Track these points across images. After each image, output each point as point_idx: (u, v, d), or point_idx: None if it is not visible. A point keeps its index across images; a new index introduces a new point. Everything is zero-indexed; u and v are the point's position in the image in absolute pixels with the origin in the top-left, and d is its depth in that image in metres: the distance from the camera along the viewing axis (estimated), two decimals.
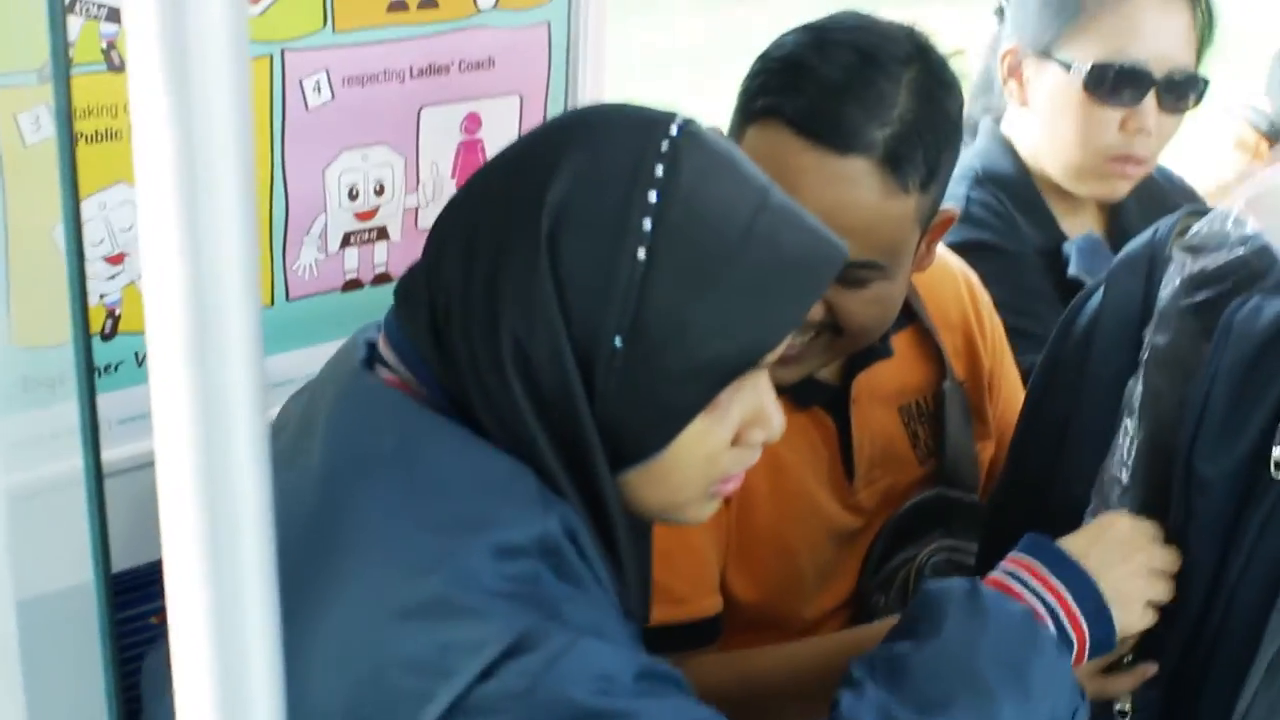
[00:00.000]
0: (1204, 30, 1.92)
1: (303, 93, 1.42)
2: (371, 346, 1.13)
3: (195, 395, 0.73)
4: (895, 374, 1.60)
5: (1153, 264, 1.30)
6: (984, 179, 1.96)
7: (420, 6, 1.46)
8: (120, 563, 1.31)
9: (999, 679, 1.10)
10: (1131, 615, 1.22)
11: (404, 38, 1.46)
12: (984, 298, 1.71)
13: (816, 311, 1.39)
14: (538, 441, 1.04)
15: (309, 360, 1.49)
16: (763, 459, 1.46)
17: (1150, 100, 1.88)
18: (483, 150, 1.55)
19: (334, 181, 1.46)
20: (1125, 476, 1.28)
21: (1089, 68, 1.87)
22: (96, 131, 1.30)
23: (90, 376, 0.89)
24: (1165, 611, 1.25)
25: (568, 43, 1.57)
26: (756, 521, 1.50)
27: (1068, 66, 1.90)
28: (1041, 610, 1.18)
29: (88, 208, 1.31)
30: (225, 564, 0.75)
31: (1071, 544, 1.22)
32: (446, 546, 1.01)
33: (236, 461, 0.74)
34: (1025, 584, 1.19)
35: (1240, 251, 1.25)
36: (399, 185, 1.51)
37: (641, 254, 1.01)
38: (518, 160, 1.09)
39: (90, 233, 1.32)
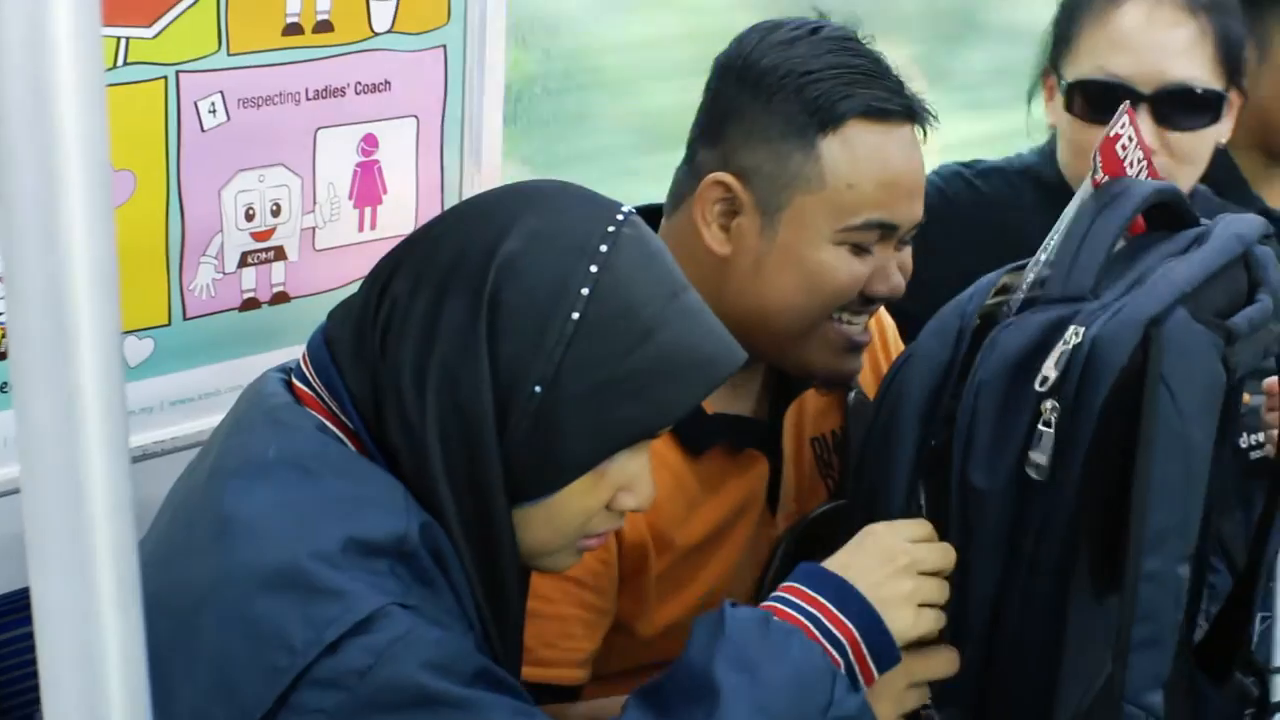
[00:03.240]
0: (1223, 41, 1.85)
1: (198, 114, 1.43)
2: (285, 376, 1.22)
3: (54, 417, 0.74)
4: (814, 403, 1.63)
5: (961, 331, 1.31)
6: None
7: (315, 30, 1.48)
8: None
9: (727, 678, 1.12)
10: (903, 616, 1.20)
11: (300, 60, 1.48)
12: (881, 312, 1.74)
13: (882, 283, 1.47)
14: (434, 460, 1.13)
15: (206, 379, 1.51)
16: (689, 508, 1.49)
17: (1144, 118, 1.81)
18: (380, 172, 1.57)
19: (230, 202, 1.47)
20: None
21: (1066, 86, 1.86)
22: None
23: None
24: (954, 621, 1.25)
25: (464, 66, 1.59)
26: (679, 571, 1.52)
27: (1061, 84, 1.89)
28: (797, 616, 1.18)
29: None
30: (87, 587, 0.76)
31: (833, 561, 1.24)
32: (312, 531, 1.09)
33: (94, 483, 0.76)
34: (786, 601, 1.20)
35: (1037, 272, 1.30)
36: (296, 205, 1.52)
37: (575, 316, 1.13)
38: (475, 213, 1.21)
39: None
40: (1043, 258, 1.31)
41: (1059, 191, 1.79)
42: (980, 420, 1.24)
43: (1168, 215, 1.38)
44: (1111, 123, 1.34)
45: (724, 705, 1.11)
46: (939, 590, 1.24)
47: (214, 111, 1.44)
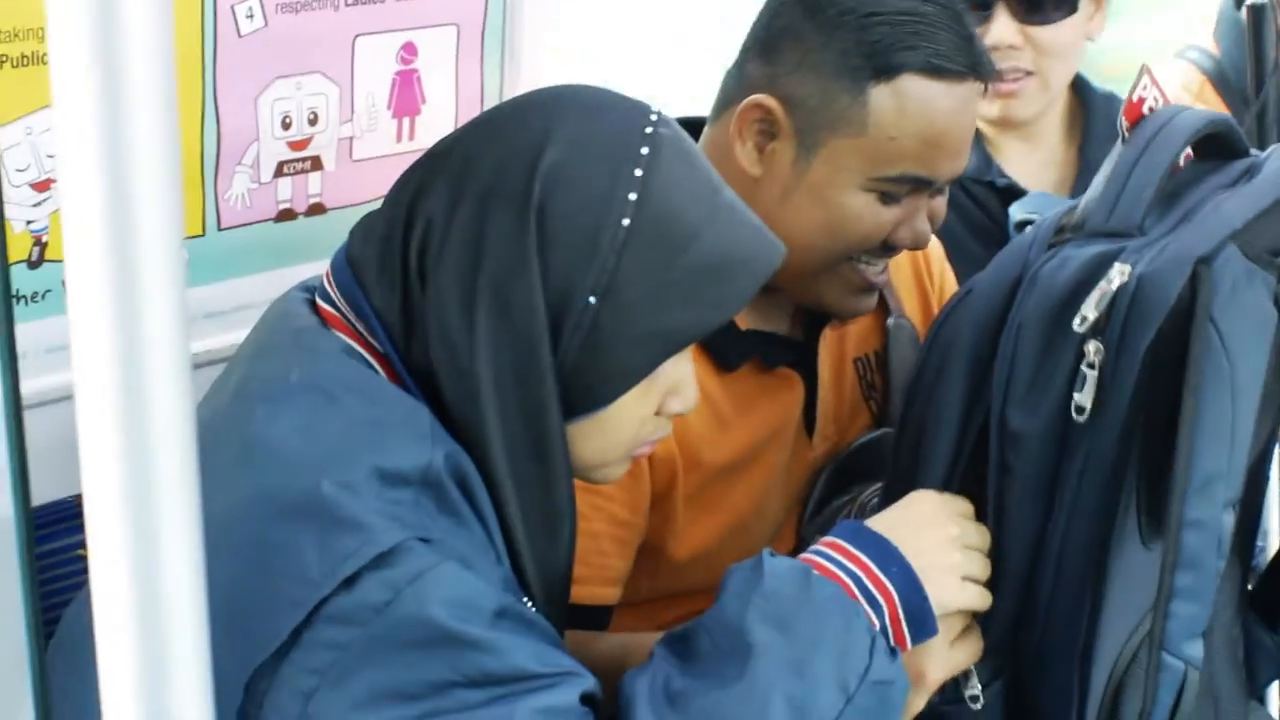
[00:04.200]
0: None
1: (235, 19, 1.39)
2: (309, 295, 1.20)
3: (115, 323, 0.72)
4: (852, 325, 1.60)
5: (1026, 267, 1.27)
6: None
7: None
8: (46, 495, 1.29)
9: (759, 632, 1.10)
10: (947, 585, 1.18)
11: None
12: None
13: (906, 233, 1.45)
14: (484, 385, 1.10)
15: (240, 290, 1.48)
16: (720, 426, 1.46)
17: (1002, 14, 1.89)
18: (419, 81, 1.54)
19: (267, 110, 1.44)
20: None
21: None
22: (22, 55, 1.27)
23: (8, 304, 0.88)
24: (993, 585, 1.23)
25: None
26: (708, 492, 1.50)
27: None
28: (838, 573, 1.16)
29: (13, 132, 1.28)
30: (144, 498, 0.74)
31: (878, 521, 1.22)
32: (333, 458, 1.06)
33: (157, 392, 0.74)
34: (827, 556, 1.17)
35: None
36: (333, 115, 1.49)
37: (625, 222, 1.11)
38: (507, 123, 1.18)
39: (16, 158, 1.30)
40: (1094, 186, 1.28)
41: None
42: (1020, 361, 1.22)
43: (1216, 145, 1.33)
44: (1133, 86, 1.32)
45: (756, 662, 1.09)
46: (983, 566, 1.22)
47: (251, 16, 1.40)
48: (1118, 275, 1.17)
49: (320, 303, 1.18)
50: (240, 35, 1.40)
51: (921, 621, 1.16)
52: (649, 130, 1.15)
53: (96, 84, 0.68)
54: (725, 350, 1.49)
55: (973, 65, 1.44)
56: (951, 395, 1.28)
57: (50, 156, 1.32)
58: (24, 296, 1.34)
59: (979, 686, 1.25)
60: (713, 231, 1.14)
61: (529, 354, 1.10)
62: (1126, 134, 1.28)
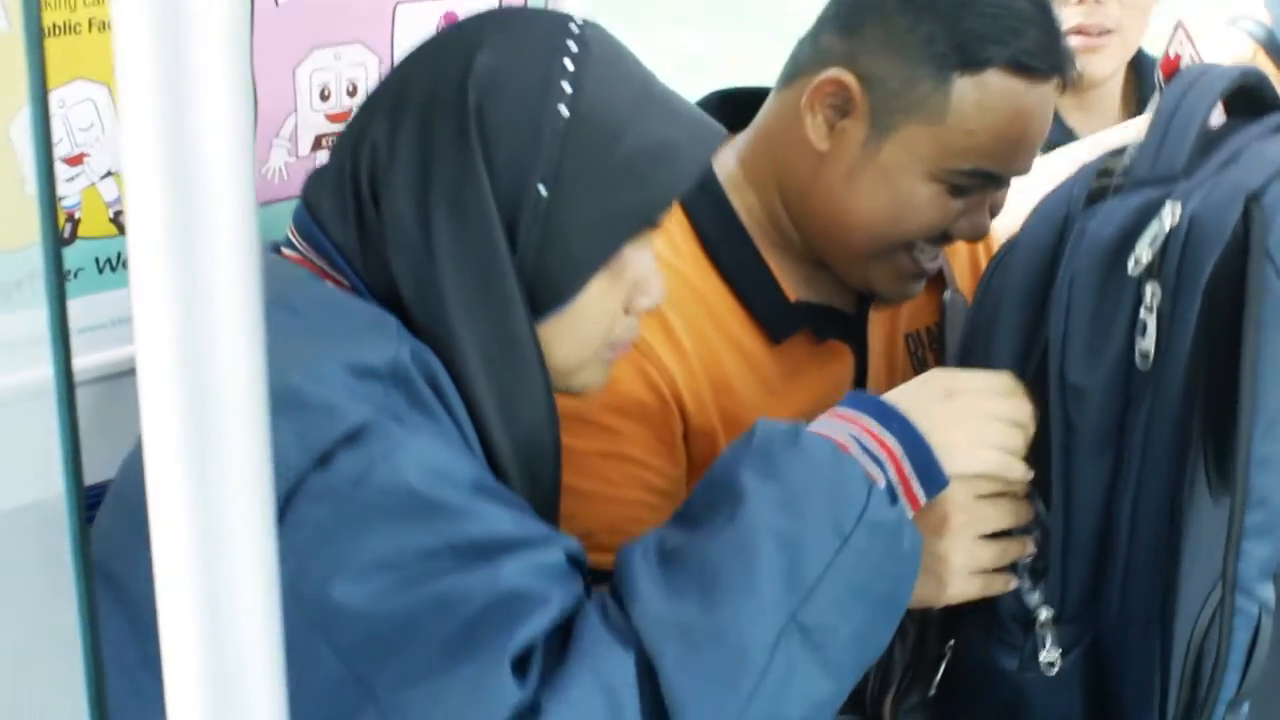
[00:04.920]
0: None
1: None
2: (274, 248, 1.22)
3: (180, 293, 0.68)
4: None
5: (1067, 218, 1.25)
6: None
7: None
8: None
9: (749, 481, 1.08)
10: (957, 445, 1.15)
11: None
12: None
13: (967, 225, 1.42)
14: (449, 292, 1.12)
15: None
16: (768, 397, 1.42)
17: None
18: None
19: (305, 81, 1.40)
20: None
21: None
22: (54, 25, 1.23)
23: (60, 278, 0.83)
24: (1061, 532, 1.20)
25: None
26: None
27: None
28: (832, 433, 1.13)
29: None
30: (213, 478, 0.70)
31: (887, 395, 1.19)
32: (301, 358, 1.05)
33: (225, 366, 0.70)
34: (822, 422, 1.16)
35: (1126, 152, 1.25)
36: (373, 86, 1.44)
37: (564, 110, 1.13)
38: (436, 46, 1.21)
39: None
40: (1135, 142, 1.25)
41: None
42: (1075, 314, 1.18)
43: (1249, 100, 1.31)
44: (1168, 42, 1.29)
45: (747, 504, 1.07)
46: (1006, 434, 1.18)
47: None
48: (1169, 215, 1.14)
49: (284, 250, 1.19)
50: (277, 4, 1.36)
51: (930, 475, 1.13)
52: (575, 29, 1.17)
53: (160, 49, 0.64)
54: (774, 321, 1.45)
55: (1057, 65, 1.40)
56: (1004, 350, 1.26)
57: (83, 129, 1.28)
58: None
59: (1056, 652, 1.22)
60: (649, 118, 1.16)
61: (489, 255, 1.12)
62: (1163, 87, 1.27)
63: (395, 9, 1.44)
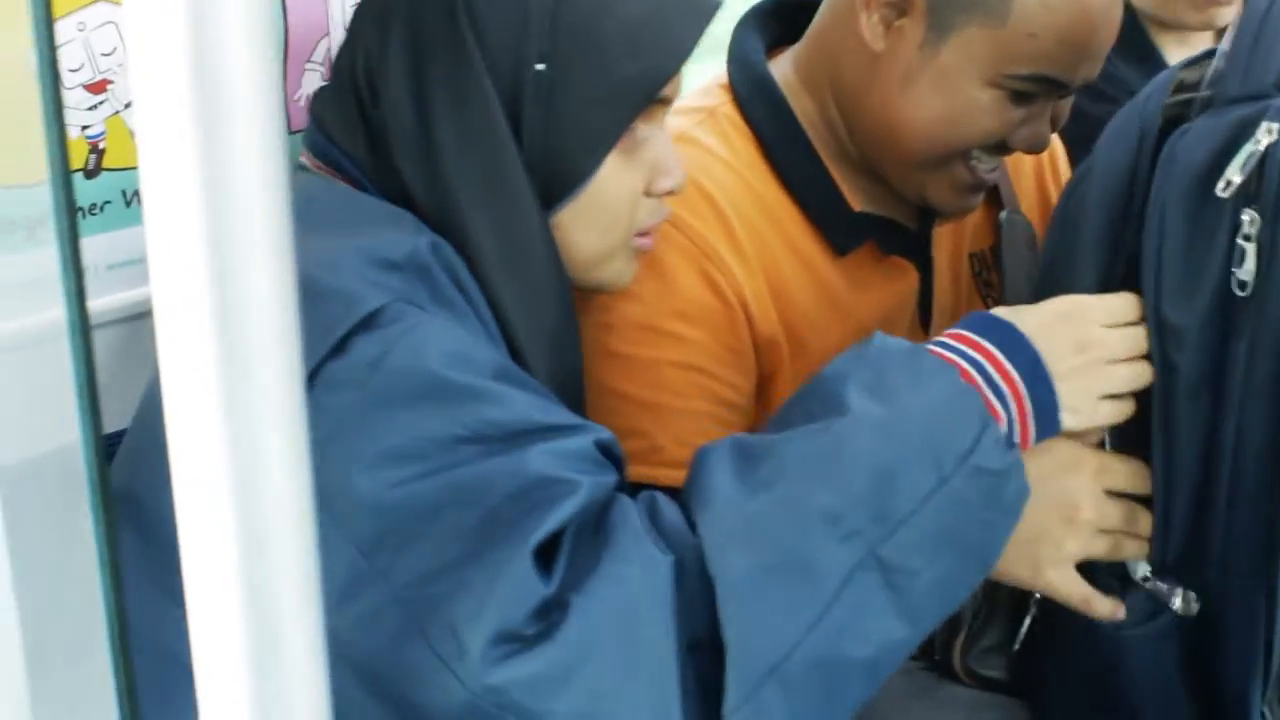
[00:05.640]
0: None
1: None
2: None
3: (204, 232, 0.61)
4: (968, 218, 1.50)
5: (1143, 136, 1.17)
6: None
7: None
8: (114, 423, 1.21)
9: (854, 397, 1.01)
10: (1082, 402, 1.09)
11: None
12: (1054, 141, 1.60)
13: (1027, 134, 1.34)
14: (455, 185, 1.09)
15: None
16: (830, 309, 1.36)
17: None
18: None
19: (337, 1, 1.34)
20: None
21: None
22: None
23: (73, 217, 0.78)
24: (1162, 479, 1.13)
25: None
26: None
27: None
28: (956, 359, 1.07)
29: (64, 29, 1.18)
30: (242, 426, 0.64)
31: (1020, 321, 1.11)
32: (317, 249, 1.00)
33: (256, 306, 0.64)
34: (946, 345, 1.09)
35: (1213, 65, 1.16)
36: None
37: None
38: None
39: (68, 57, 1.19)
40: (1220, 51, 1.16)
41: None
42: (1169, 248, 1.10)
43: None
44: None
45: (847, 420, 1.00)
46: (1129, 378, 1.10)
47: None
48: (1265, 135, 1.06)
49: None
50: None
51: (1047, 419, 1.07)
52: None
53: None
54: (838, 232, 1.39)
55: None
56: (1086, 281, 1.18)
57: (105, 55, 1.22)
58: (81, 209, 1.24)
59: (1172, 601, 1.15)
60: None
61: (493, 142, 1.09)
62: None
63: None
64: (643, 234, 1.20)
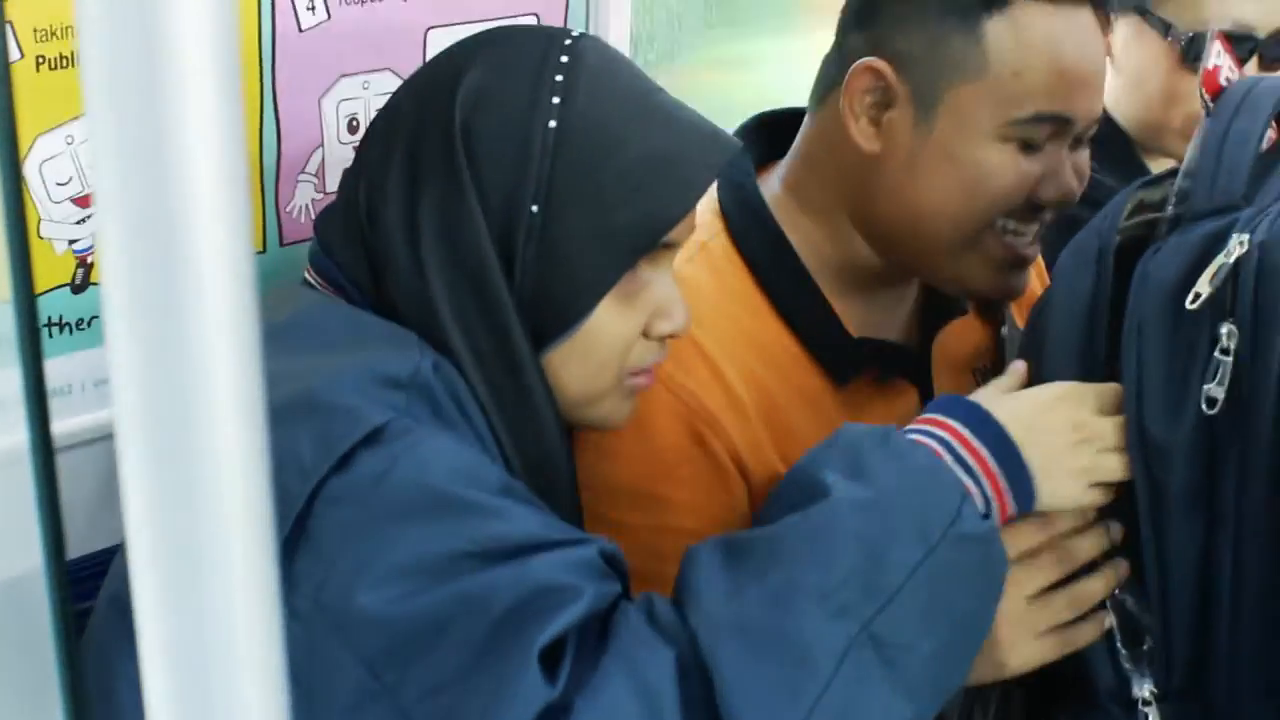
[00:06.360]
0: None
1: (295, 12, 1.27)
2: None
3: (157, 357, 0.58)
4: (967, 334, 1.47)
5: (1101, 255, 1.16)
6: None
7: None
8: (85, 546, 1.17)
9: (832, 479, 1.04)
10: (1069, 487, 1.10)
11: None
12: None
13: (1053, 186, 1.32)
14: (444, 314, 1.08)
15: None
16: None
17: (1252, 63, 1.77)
18: None
19: (331, 111, 1.33)
20: None
21: (1189, 37, 1.77)
22: (60, 55, 1.16)
23: (35, 335, 0.75)
24: (1158, 599, 1.11)
25: None
26: None
27: (1166, 28, 1.80)
28: (922, 438, 1.08)
29: (52, 142, 1.17)
30: (203, 557, 0.60)
31: (1004, 408, 1.12)
32: (321, 368, 1.02)
33: (213, 432, 0.60)
34: (912, 429, 1.11)
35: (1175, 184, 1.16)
36: None
37: (551, 125, 1.09)
38: (433, 65, 1.17)
39: (56, 171, 1.18)
40: (1183, 170, 1.16)
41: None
42: (1148, 364, 1.09)
43: None
44: (1206, 55, 1.20)
45: (828, 502, 1.01)
46: (1117, 467, 1.11)
47: (313, 9, 1.28)
48: (1236, 246, 1.05)
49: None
50: (301, 30, 1.28)
51: (1021, 491, 1.08)
52: (568, 41, 1.13)
53: (139, 71, 0.54)
54: (838, 362, 1.35)
55: None
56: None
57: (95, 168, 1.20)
58: (68, 324, 1.22)
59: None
60: (646, 129, 1.11)
61: (482, 277, 1.08)
62: (1210, 106, 1.17)
63: (426, 34, 1.36)
64: (639, 373, 1.18)
